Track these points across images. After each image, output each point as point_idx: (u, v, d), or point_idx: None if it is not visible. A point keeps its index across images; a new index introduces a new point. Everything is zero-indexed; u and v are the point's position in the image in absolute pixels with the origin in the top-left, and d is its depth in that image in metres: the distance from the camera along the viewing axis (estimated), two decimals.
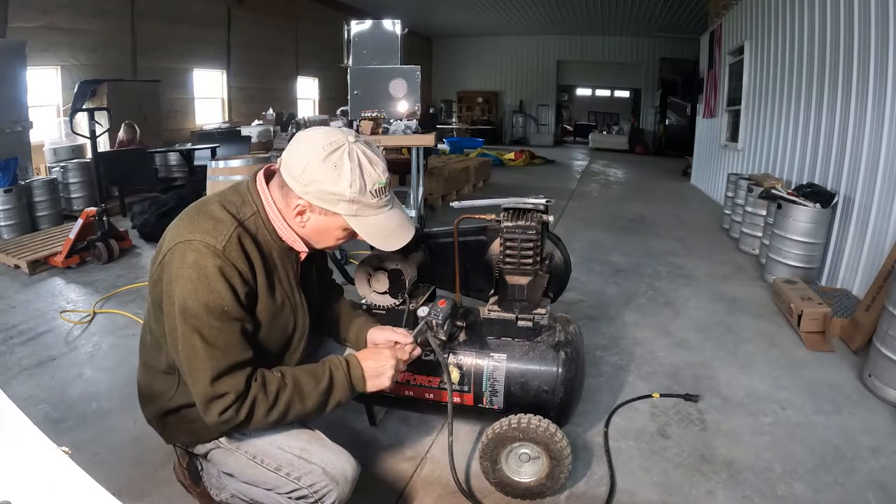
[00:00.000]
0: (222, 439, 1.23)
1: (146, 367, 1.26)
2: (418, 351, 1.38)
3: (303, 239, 1.17)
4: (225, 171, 3.83)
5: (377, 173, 1.08)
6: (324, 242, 1.18)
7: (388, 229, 1.14)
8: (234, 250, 1.06)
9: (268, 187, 1.15)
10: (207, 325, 1.02)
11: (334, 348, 1.52)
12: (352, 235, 1.16)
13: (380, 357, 1.24)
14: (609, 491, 1.71)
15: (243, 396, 1.06)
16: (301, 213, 1.11)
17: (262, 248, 1.12)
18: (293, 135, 1.42)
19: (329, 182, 1.05)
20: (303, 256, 1.22)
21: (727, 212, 5.39)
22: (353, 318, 1.48)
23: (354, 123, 4.08)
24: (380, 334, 1.40)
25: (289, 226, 1.15)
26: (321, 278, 1.43)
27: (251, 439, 1.22)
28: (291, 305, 1.20)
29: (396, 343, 1.36)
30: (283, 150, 1.17)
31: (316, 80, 11.50)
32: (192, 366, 1.04)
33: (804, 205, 3.53)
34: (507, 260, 1.71)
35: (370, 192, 1.08)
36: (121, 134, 6.11)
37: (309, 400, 1.13)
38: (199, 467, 1.40)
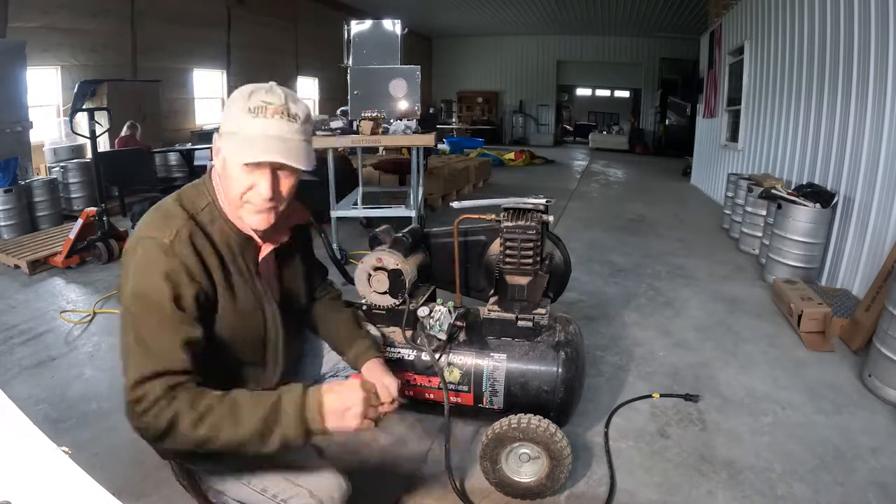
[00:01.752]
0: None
1: None
2: (394, 406, 1.23)
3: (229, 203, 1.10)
4: None
5: (268, 97, 1.03)
6: (233, 190, 1.07)
7: (254, 137, 1.02)
8: (184, 247, 1.03)
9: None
10: (144, 324, 1.00)
11: (319, 361, 1.49)
12: (250, 181, 1.06)
13: (348, 392, 1.05)
14: (609, 491, 1.71)
15: (164, 402, 0.97)
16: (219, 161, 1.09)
17: (215, 242, 1.09)
18: None
19: (228, 112, 1.05)
20: (263, 251, 1.18)
21: (727, 212, 5.39)
22: (355, 338, 1.40)
23: (354, 123, 4.08)
24: (373, 373, 1.29)
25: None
26: (304, 276, 1.36)
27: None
28: (256, 300, 1.17)
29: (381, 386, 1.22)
30: None
31: (316, 80, 11.50)
32: (125, 360, 1.01)
33: (804, 205, 3.53)
34: (507, 260, 1.72)
35: (249, 108, 1.02)
36: (123, 132, 6.12)
37: (244, 425, 0.98)
38: (197, 477, 1.39)
